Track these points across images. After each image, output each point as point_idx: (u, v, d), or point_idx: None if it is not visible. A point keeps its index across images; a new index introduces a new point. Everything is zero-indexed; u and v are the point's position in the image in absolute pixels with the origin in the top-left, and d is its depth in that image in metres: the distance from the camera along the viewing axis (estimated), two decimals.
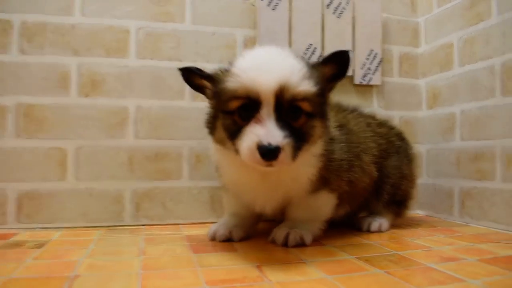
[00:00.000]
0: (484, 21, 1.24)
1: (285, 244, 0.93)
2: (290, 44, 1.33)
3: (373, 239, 1.03)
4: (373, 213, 1.19)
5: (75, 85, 1.19)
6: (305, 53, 1.33)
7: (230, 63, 0.88)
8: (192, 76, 0.93)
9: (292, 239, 0.92)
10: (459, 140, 1.33)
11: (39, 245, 0.94)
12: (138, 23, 1.24)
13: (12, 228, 1.13)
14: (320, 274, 0.72)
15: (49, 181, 1.16)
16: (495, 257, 0.85)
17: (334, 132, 1.00)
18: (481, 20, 1.25)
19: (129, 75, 1.22)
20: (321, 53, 1.35)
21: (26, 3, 1.16)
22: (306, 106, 0.82)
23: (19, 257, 0.83)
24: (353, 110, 1.21)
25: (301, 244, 0.93)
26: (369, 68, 1.42)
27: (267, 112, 0.79)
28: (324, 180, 0.96)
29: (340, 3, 1.38)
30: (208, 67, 1.00)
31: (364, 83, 1.42)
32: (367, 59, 1.41)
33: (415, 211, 1.48)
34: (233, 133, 0.83)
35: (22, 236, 1.05)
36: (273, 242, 0.96)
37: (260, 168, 0.80)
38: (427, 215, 1.46)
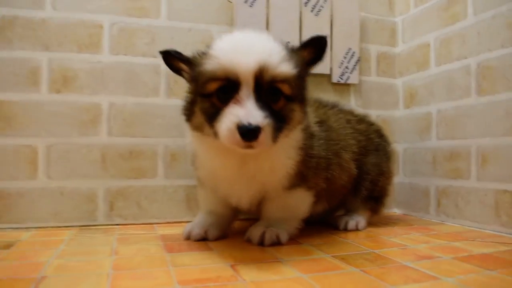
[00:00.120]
0: (460, 21, 1.25)
1: (261, 243, 0.91)
2: None
3: (350, 238, 1.03)
4: (350, 210, 1.19)
5: (46, 81, 1.15)
6: None
7: (208, 46, 0.86)
8: (172, 59, 0.92)
9: (268, 238, 0.91)
10: (435, 140, 1.34)
11: (7, 246, 0.91)
12: (112, 17, 1.21)
13: None
14: (296, 273, 0.71)
15: (19, 180, 1.13)
16: (470, 255, 0.85)
17: (314, 127, 1.00)
18: (457, 21, 1.27)
19: (102, 71, 1.20)
20: None
21: None
22: (285, 88, 0.81)
23: None
24: (333, 106, 1.21)
25: (277, 243, 0.92)
26: (346, 67, 1.42)
27: (246, 93, 0.77)
28: (302, 176, 0.95)
29: (318, 1, 1.37)
30: None
31: (342, 81, 1.42)
32: (345, 57, 1.41)
33: (392, 210, 1.49)
34: (212, 116, 0.81)
35: None
36: (249, 241, 0.95)
37: (240, 150, 0.79)
38: (404, 214, 1.46)
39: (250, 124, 0.74)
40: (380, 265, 0.77)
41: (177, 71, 0.93)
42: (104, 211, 1.19)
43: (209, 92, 0.81)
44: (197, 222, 1.01)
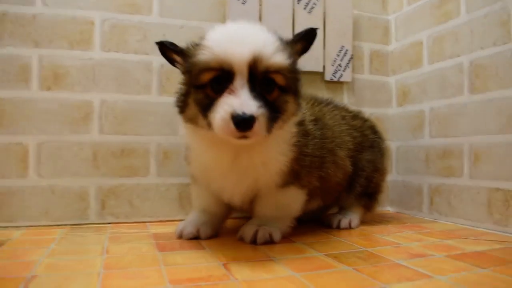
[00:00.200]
0: (453, 19, 1.25)
1: (253, 241, 0.91)
2: None
3: (343, 236, 1.03)
4: (343, 206, 1.19)
5: (36, 78, 1.14)
6: None
7: (201, 38, 0.85)
8: (166, 51, 0.91)
9: (260, 237, 0.91)
10: (428, 138, 1.34)
11: None
12: (103, 14, 1.20)
13: None
14: (288, 272, 0.71)
15: (9, 178, 1.11)
16: (463, 253, 0.85)
17: (309, 125, 0.99)
18: (450, 19, 1.27)
19: (93, 68, 1.18)
20: None
21: None
22: (279, 79, 0.81)
23: None
24: (329, 103, 1.20)
25: (270, 242, 0.91)
26: (339, 65, 1.41)
27: (240, 83, 0.77)
28: (295, 174, 0.94)
29: None
30: None
31: (335, 79, 1.41)
32: (338, 55, 1.41)
33: (385, 208, 1.49)
34: (206, 107, 0.80)
35: None
36: (242, 239, 0.94)
37: (234, 141, 0.78)
38: (397, 212, 1.47)
39: (244, 114, 0.73)
40: (373, 263, 0.77)
41: (172, 62, 0.93)
42: (95, 210, 1.18)
43: (203, 83, 0.80)
44: (189, 220, 1.00)
